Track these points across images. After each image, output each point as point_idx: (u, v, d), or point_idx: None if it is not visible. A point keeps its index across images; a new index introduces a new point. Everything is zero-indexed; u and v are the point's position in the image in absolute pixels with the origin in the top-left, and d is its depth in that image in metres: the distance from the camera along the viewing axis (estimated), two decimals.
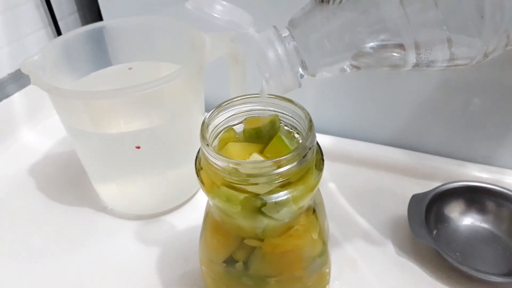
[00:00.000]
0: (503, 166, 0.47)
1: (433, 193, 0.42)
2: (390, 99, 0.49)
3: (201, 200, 0.47)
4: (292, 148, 0.27)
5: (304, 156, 0.25)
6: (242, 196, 0.25)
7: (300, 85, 0.26)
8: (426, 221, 0.39)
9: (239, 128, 0.30)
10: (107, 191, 0.44)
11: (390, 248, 0.40)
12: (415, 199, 0.41)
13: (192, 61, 0.36)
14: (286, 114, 0.28)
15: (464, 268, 0.36)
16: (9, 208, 0.47)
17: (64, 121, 0.38)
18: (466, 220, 0.42)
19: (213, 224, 0.30)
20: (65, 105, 0.36)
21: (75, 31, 0.42)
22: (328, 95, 0.52)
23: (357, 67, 0.24)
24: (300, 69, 0.26)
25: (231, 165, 0.24)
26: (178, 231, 0.44)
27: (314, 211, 0.29)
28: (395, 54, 0.22)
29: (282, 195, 0.25)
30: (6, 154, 0.54)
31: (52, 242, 0.43)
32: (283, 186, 0.25)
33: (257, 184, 0.24)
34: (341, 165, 0.50)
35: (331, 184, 0.48)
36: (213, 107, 0.28)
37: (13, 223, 0.45)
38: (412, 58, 0.22)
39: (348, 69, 0.25)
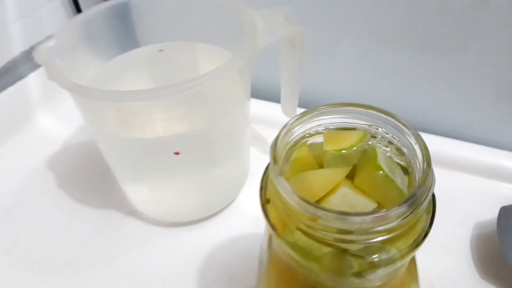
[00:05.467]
0: None
1: None
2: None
3: (244, 203, 0.41)
4: (393, 177, 0.20)
5: (423, 202, 0.18)
6: (326, 249, 0.19)
7: None
8: None
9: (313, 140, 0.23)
10: (136, 194, 0.38)
11: (472, 270, 0.34)
12: (507, 212, 0.34)
13: (245, 47, 0.29)
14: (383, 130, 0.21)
15: None
16: (26, 211, 0.42)
17: (89, 123, 0.31)
18: None
19: (278, 267, 0.24)
20: (90, 105, 0.29)
21: (97, 7, 0.35)
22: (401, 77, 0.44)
23: None
24: None
25: (318, 214, 0.18)
26: (219, 242, 0.38)
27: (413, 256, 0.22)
28: None
29: (384, 253, 0.18)
30: (22, 145, 0.49)
31: (77, 252, 0.38)
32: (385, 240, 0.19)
33: (352, 242, 0.18)
34: None
35: None
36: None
37: (31, 228, 0.40)
38: None
39: None
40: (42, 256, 0.38)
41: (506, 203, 0.36)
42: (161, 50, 0.39)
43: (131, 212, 0.41)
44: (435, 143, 0.42)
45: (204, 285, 0.35)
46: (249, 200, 0.41)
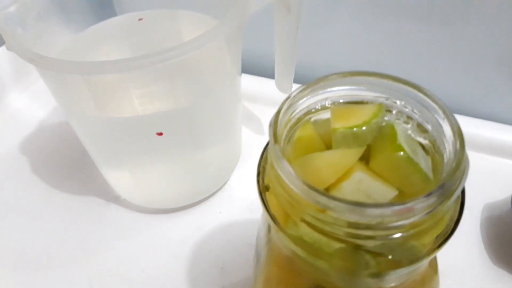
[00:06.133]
0: None
1: None
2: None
3: (236, 187, 0.38)
4: (416, 159, 0.17)
5: (455, 191, 0.15)
6: (337, 245, 0.16)
7: None
8: None
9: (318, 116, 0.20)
10: (118, 180, 0.35)
11: (483, 254, 0.32)
12: None
13: (233, 11, 0.26)
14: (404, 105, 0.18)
15: None
16: None
17: (59, 102, 0.28)
18: None
19: (279, 263, 0.21)
20: (56, 80, 0.25)
21: None
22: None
23: None
24: None
25: (329, 205, 0.14)
26: (210, 230, 0.35)
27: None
28: None
29: (406, 250, 0.15)
30: None
31: (53, 243, 0.34)
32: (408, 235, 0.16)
33: (369, 238, 0.15)
34: None
35: None
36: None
37: (2, 218, 0.37)
38: None
39: None
40: (14, 249, 0.34)
41: None
42: (140, 19, 0.35)
43: (113, 198, 0.37)
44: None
45: (194, 277, 0.32)
46: (242, 183, 0.38)
